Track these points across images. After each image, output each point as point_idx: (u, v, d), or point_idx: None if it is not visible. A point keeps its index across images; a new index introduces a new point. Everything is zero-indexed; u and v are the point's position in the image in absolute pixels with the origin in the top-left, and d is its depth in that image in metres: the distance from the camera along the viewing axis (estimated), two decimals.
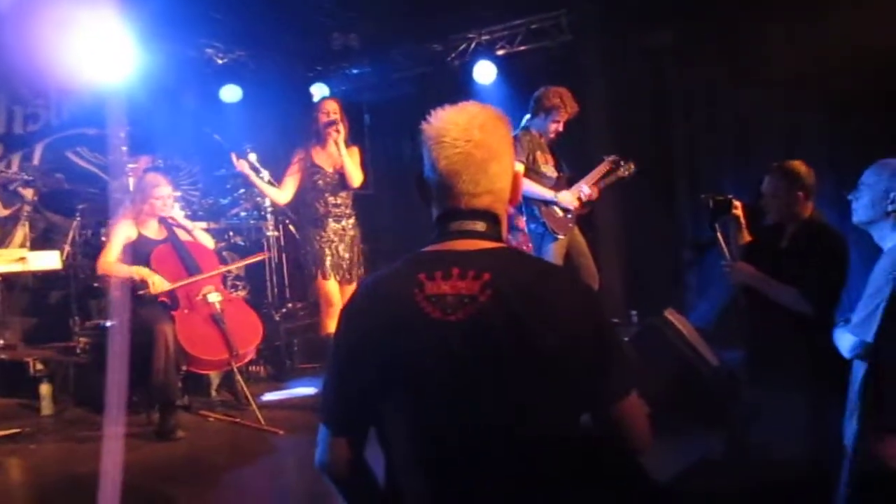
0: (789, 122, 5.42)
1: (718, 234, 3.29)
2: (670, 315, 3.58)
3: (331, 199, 4.53)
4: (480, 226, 1.43)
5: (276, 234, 6.17)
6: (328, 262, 4.46)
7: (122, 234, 4.27)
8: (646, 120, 6.07)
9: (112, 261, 4.15)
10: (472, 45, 6.88)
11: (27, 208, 5.27)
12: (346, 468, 1.47)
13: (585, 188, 4.68)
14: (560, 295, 1.38)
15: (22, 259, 4.68)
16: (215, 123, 6.04)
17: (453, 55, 7.00)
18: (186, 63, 6.47)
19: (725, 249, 3.28)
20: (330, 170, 4.53)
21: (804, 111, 5.28)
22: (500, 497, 1.33)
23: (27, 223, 5.22)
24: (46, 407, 4.59)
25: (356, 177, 4.52)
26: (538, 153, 4.58)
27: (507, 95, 6.52)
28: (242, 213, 6.16)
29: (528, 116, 4.67)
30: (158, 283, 4.12)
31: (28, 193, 5.37)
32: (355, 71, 7.48)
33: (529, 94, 4.70)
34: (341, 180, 4.53)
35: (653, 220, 5.88)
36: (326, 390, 1.49)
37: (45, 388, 4.62)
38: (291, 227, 6.22)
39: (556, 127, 4.60)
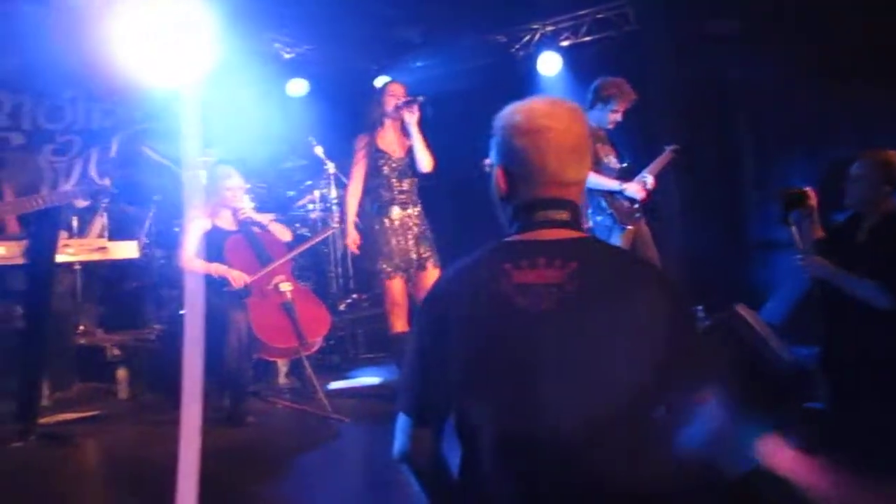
0: (860, 114, 5.23)
1: (792, 228, 3.22)
2: (741, 310, 3.50)
3: (396, 185, 4.44)
4: (564, 215, 1.43)
5: (341, 225, 6.26)
6: (393, 258, 4.33)
7: (197, 226, 4.40)
8: (711, 111, 5.94)
9: (192, 256, 4.25)
10: (537, 37, 6.85)
11: (105, 200, 5.45)
12: (425, 459, 1.48)
13: (649, 178, 4.62)
14: (645, 285, 1.38)
15: (102, 248, 4.86)
16: (282, 117, 6.16)
17: (517, 46, 6.97)
18: (254, 57, 6.60)
19: (800, 242, 3.20)
20: (396, 154, 4.47)
21: (876, 102, 5.08)
22: (581, 485, 1.32)
23: (105, 214, 5.41)
24: (123, 391, 4.77)
25: (427, 161, 4.43)
26: (599, 146, 4.53)
27: (571, 87, 6.46)
28: (308, 205, 6.27)
29: (586, 109, 4.63)
30: (238, 278, 4.25)
31: (106, 183, 5.55)
32: (419, 64, 7.51)
33: (587, 85, 4.67)
34: (409, 165, 4.46)
35: (717, 212, 5.76)
36: (406, 380, 1.50)
37: (121, 373, 4.80)
38: (356, 219, 6.29)
39: (614, 117, 4.56)
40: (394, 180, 4.44)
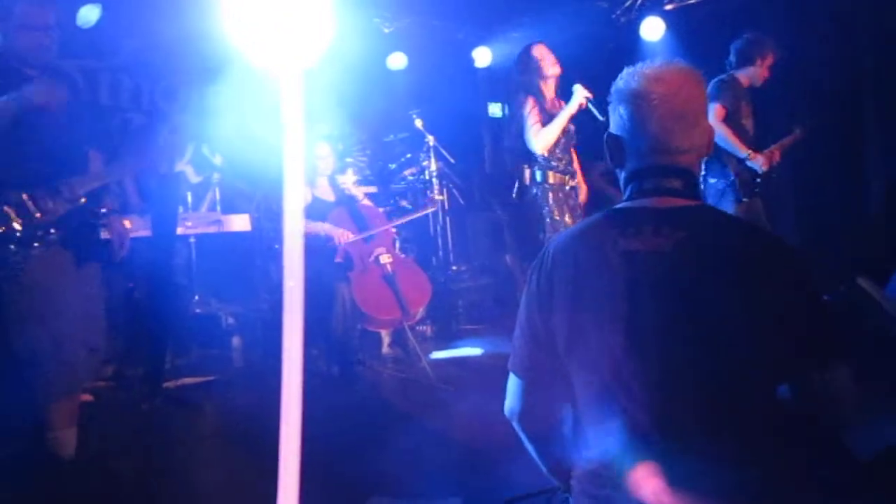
0: None
1: None
2: (863, 283, 3.32)
3: (560, 154, 4.26)
4: (677, 183, 1.41)
5: (441, 197, 6.31)
6: (558, 228, 4.09)
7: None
8: (831, 79, 5.57)
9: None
10: (639, 1, 6.62)
11: (217, 175, 5.70)
12: (535, 417, 1.50)
13: (777, 153, 4.44)
14: (765, 257, 1.33)
15: (217, 221, 5.11)
16: (382, 91, 6.23)
17: (618, 12, 6.76)
18: (354, 32, 6.69)
19: None
20: None
21: None
22: (690, 454, 1.29)
23: (216, 189, 5.66)
24: (237, 358, 5.00)
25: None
26: (743, 103, 4.35)
27: (675, 52, 6.22)
28: (409, 178, 6.34)
29: (730, 67, 4.48)
30: (343, 234, 4.41)
31: (217, 161, 5.81)
32: (516, 34, 7.41)
33: (699, 50, 4.51)
34: (569, 133, 4.27)
35: (838, 187, 5.44)
36: (517, 342, 1.53)
37: (236, 341, 5.04)
38: (456, 192, 6.32)
39: (763, 73, 4.41)
40: (558, 150, 4.25)
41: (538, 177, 4.24)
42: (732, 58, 4.50)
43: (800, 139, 4.59)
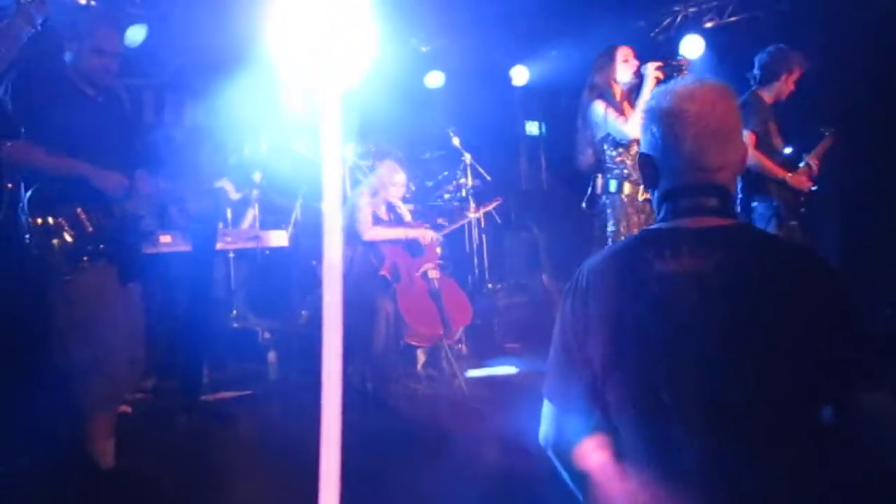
0: None
1: None
2: None
3: (627, 158, 3.99)
4: (713, 202, 1.38)
5: (477, 215, 6.32)
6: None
7: (366, 203, 4.63)
8: (873, 96, 5.47)
9: (372, 227, 4.52)
10: (679, 19, 6.59)
11: (256, 192, 5.79)
12: (571, 445, 1.46)
13: (814, 164, 4.30)
14: (807, 277, 1.30)
15: (256, 237, 5.18)
16: (420, 109, 6.28)
17: (657, 30, 6.74)
18: (393, 51, 6.76)
19: None
20: None
21: None
22: (731, 480, 1.27)
23: (256, 205, 5.74)
24: (273, 372, 5.03)
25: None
26: (770, 122, 4.21)
27: (715, 70, 6.17)
28: (446, 196, 6.36)
29: (753, 81, 4.34)
30: (426, 234, 4.53)
31: (257, 178, 5.90)
32: (554, 52, 7.42)
33: (739, 68, 4.40)
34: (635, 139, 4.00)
35: (877, 202, 5.31)
36: (552, 368, 1.50)
37: (272, 356, 5.07)
38: (492, 210, 6.32)
39: (789, 88, 4.25)
40: (626, 156, 3.99)
41: (612, 186, 4.01)
42: (756, 72, 4.34)
43: (832, 144, 4.47)
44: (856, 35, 5.55)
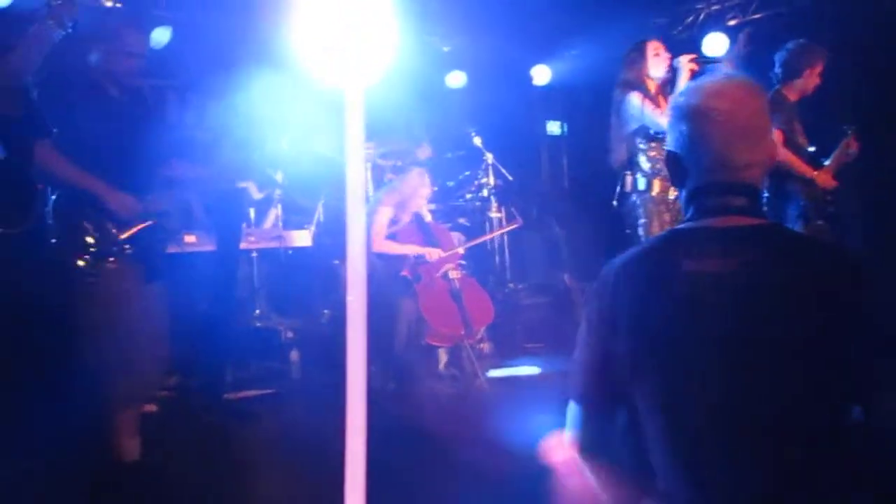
0: None
1: None
2: None
3: (658, 155, 3.92)
4: (741, 201, 1.36)
5: (499, 215, 6.29)
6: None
7: (386, 215, 4.65)
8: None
9: (383, 240, 4.55)
10: (701, 17, 6.53)
11: (279, 192, 5.82)
12: (597, 447, 1.45)
13: (838, 162, 4.26)
14: (834, 276, 1.28)
15: (279, 237, 5.22)
16: (441, 108, 6.28)
17: (680, 28, 6.68)
18: (414, 51, 6.76)
19: None
20: None
21: None
22: (756, 484, 1.25)
23: (279, 205, 5.76)
24: (296, 371, 5.05)
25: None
26: (795, 120, 4.16)
27: (738, 67, 6.10)
28: (468, 196, 6.35)
29: (776, 80, 4.28)
30: (433, 252, 4.51)
31: (279, 178, 5.93)
32: (575, 51, 7.38)
33: (764, 65, 4.34)
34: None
35: None
36: (577, 369, 1.48)
37: (294, 355, 5.09)
38: (513, 210, 6.30)
39: (814, 81, 4.18)
40: (659, 151, 3.91)
41: (641, 185, 3.98)
42: (778, 70, 4.29)
43: (854, 141, 4.39)
44: (881, 32, 5.46)
